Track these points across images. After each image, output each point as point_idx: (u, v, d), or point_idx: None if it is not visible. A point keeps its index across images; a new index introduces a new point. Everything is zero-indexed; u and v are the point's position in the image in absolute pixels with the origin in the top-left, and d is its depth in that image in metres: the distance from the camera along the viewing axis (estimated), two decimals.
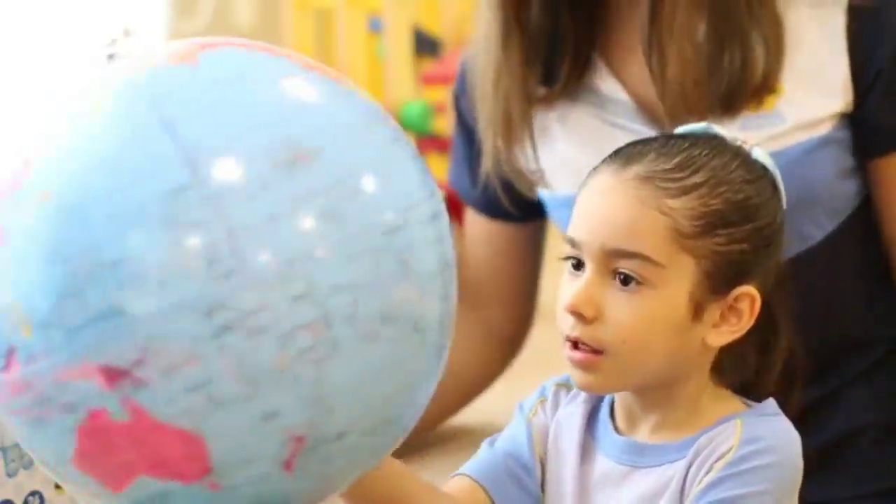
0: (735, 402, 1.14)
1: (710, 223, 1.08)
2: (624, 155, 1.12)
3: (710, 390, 1.14)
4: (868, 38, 1.33)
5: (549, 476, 1.16)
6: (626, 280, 1.08)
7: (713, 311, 1.09)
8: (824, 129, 1.34)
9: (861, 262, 1.39)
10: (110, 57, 1.05)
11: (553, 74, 1.40)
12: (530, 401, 1.20)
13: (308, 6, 4.22)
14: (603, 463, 1.13)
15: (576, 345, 1.09)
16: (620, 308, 1.08)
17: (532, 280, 1.59)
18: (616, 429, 1.14)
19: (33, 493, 1.19)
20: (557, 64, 1.39)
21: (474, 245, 1.58)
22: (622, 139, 1.31)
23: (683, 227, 1.08)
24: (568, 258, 1.11)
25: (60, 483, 1.00)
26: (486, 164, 1.44)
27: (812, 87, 1.33)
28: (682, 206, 1.08)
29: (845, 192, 1.36)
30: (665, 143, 1.13)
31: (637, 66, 1.36)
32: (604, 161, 1.13)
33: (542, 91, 1.40)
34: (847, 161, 1.36)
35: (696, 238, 1.08)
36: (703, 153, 1.12)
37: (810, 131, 1.33)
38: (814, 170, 1.33)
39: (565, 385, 1.20)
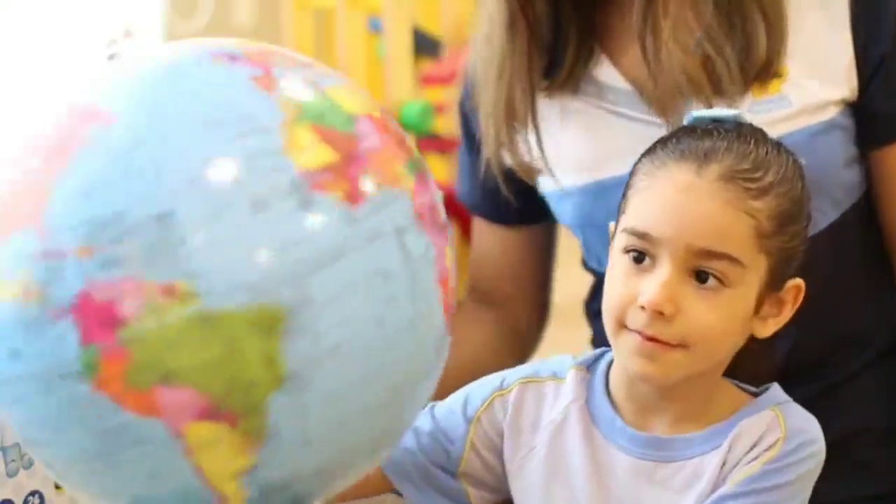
0: (735, 388, 1.17)
1: (782, 222, 1.11)
2: (699, 151, 1.12)
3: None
4: (871, 23, 1.33)
5: (530, 476, 1.18)
6: (704, 278, 1.09)
7: (767, 305, 1.13)
8: (830, 114, 1.33)
9: (862, 254, 1.39)
10: (111, 57, 1.05)
11: (556, 66, 1.39)
12: (483, 392, 1.21)
13: (308, 6, 4.21)
14: (622, 460, 1.14)
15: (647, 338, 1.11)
16: (699, 306, 1.09)
17: (545, 278, 1.59)
18: (626, 424, 1.15)
19: (33, 493, 1.19)
20: (560, 55, 1.39)
21: (484, 249, 1.56)
22: (622, 128, 1.31)
23: (765, 227, 1.10)
24: (631, 251, 1.12)
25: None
26: (487, 152, 1.43)
27: (816, 72, 1.33)
28: (765, 207, 1.10)
29: (849, 181, 1.36)
30: (733, 139, 1.13)
31: (636, 55, 1.36)
32: (667, 153, 1.13)
33: (544, 83, 1.39)
34: (851, 150, 1.36)
35: (772, 237, 1.11)
36: (766, 151, 1.13)
37: (816, 115, 1.33)
38: (819, 155, 1.32)
39: (533, 379, 1.20)
